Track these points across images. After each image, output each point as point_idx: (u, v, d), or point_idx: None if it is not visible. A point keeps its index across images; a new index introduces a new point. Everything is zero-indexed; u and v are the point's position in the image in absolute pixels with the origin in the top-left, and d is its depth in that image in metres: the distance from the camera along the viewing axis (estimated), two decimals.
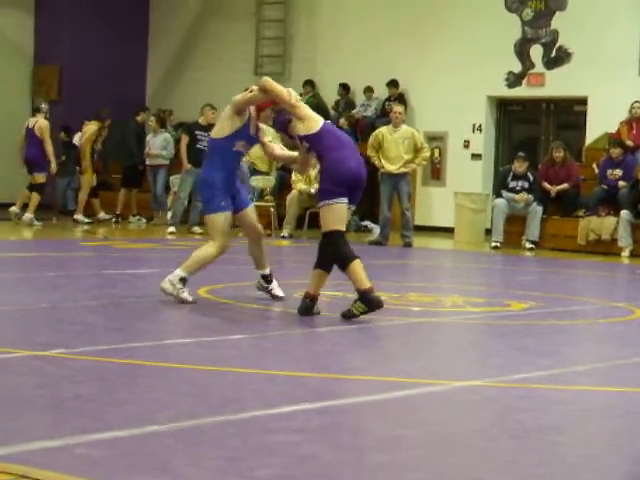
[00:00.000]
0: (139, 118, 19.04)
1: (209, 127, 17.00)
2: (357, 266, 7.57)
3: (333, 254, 7.68)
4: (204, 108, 16.62)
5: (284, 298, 8.43)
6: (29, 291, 8.64)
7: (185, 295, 8.01)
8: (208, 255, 8.14)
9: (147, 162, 18.31)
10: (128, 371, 5.41)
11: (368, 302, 7.50)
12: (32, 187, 17.15)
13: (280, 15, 21.37)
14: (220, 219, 8.11)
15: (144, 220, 18.38)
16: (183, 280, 8.04)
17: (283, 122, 8.11)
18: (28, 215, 16.74)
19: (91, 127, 18.13)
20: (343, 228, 7.69)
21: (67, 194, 20.15)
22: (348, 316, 7.58)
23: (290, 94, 8.00)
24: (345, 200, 7.64)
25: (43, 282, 9.28)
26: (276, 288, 8.57)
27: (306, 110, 7.95)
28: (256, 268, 8.59)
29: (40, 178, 17.13)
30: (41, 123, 17.10)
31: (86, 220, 17.76)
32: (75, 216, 17.90)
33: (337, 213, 7.63)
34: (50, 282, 9.29)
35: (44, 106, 17.49)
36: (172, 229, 16.30)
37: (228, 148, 8.19)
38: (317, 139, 7.79)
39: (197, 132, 16.95)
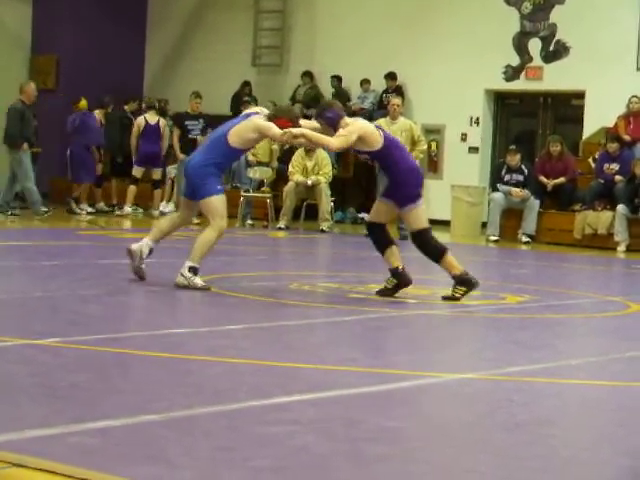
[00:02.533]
0: (127, 107, 19.10)
1: (199, 116, 17.03)
2: (448, 255, 8.38)
3: (427, 249, 8.48)
4: (190, 97, 16.57)
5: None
6: (25, 280, 8.64)
7: (197, 281, 8.21)
8: (210, 239, 8.32)
9: None
10: (123, 360, 5.41)
11: (466, 283, 8.32)
12: (155, 183, 17.76)
13: (278, 6, 21.34)
14: (219, 201, 8.32)
15: (141, 210, 18.36)
16: (193, 269, 8.22)
17: (334, 118, 8.32)
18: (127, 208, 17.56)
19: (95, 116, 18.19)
20: (429, 225, 8.53)
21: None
22: (452, 299, 8.33)
23: (338, 140, 8.25)
24: (422, 200, 8.45)
25: (39, 271, 9.28)
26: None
27: (360, 128, 8.22)
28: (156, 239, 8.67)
29: (158, 173, 17.75)
30: (162, 121, 17.61)
31: (88, 210, 17.78)
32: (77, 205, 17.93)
33: (422, 213, 8.45)
34: (46, 271, 9.29)
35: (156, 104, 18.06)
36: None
37: (236, 156, 8.75)
38: (384, 154, 8.32)
39: (187, 122, 16.97)
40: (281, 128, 8.33)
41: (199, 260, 8.29)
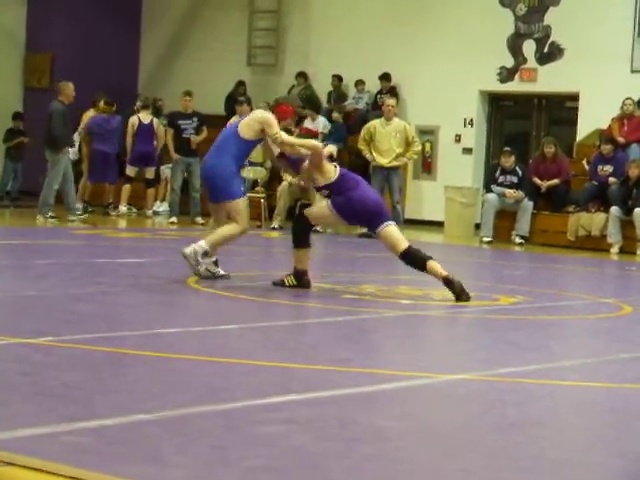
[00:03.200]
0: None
1: (192, 114, 17.03)
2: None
3: (300, 236, 8.57)
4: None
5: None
6: (18, 279, 8.63)
7: (202, 269, 8.51)
8: (232, 233, 8.72)
9: None
10: (116, 360, 5.41)
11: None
12: (148, 182, 17.70)
13: (273, 6, 21.34)
14: (243, 203, 8.72)
15: (134, 210, 18.35)
16: (206, 254, 8.52)
17: (296, 161, 8.76)
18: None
19: (88, 114, 18.16)
20: (312, 221, 8.69)
21: (13, 178, 20.28)
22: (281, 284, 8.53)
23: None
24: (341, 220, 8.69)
25: (32, 270, 9.27)
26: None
27: (326, 164, 8.64)
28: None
29: (152, 173, 17.72)
30: (156, 121, 17.62)
31: (81, 210, 17.78)
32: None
33: (324, 218, 8.80)
34: (39, 270, 9.28)
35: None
36: (173, 219, 16.43)
37: (250, 147, 8.87)
38: (337, 186, 8.53)
39: (180, 122, 16.97)
40: (282, 114, 8.75)
41: (212, 246, 8.57)
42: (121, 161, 18.18)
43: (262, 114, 8.81)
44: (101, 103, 18.02)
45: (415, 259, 8.53)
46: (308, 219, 8.66)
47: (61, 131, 15.53)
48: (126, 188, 17.74)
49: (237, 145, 8.67)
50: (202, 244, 8.54)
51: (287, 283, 8.56)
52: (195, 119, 16.96)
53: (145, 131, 17.68)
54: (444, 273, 8.45)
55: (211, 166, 8.73)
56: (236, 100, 18.12)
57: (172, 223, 16.24)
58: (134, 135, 17.64)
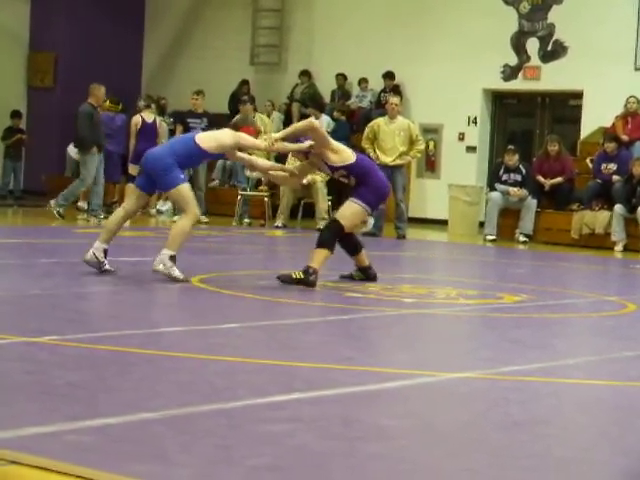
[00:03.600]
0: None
1: (202, 114, 16.98)
2: (330, 254, 8.71)
3: (327, 235, 8.83)
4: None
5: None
6: (22, 277, 8.63)
7: (177, 273, 8.37)
8: (186, 227, 8.58)
9: None
10: (120, 359, 5.41)
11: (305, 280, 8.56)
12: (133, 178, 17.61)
13: (277, 5, 21.34)
14: (186, 189, 8.62)
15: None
16: (173, 258, 8.40)
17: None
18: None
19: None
20: (347, 226, 8.91)
21: (12, 176, 20.33)
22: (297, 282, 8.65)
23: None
24: (368, 212, 9.16)
25: (36, 269, 9.28)
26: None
27: (336, 143, 9.03)
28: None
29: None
30: (159, 120, 17.54)
31: (86, 207, 17.79)
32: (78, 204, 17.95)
33: (356, 216, 9.00)
34: (43, 269, 9.29)
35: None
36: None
37: (202, 158, 8.97)
38: (356, 166, 8.96)
39: (189, 120, 16.94)
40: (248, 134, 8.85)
41: (177, 248, 8.48)
42: (125, 161, 18.19)
43: (236, 134, 8.77)
44: (107, 102, 18.02)
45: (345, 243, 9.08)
46: (343, 230, 8.90)
47: (87, 132, 15.71)
48: (129, 187, 17.72)
49: (190, 151, 8.60)
50: (165, 252, 8.47)
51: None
52: (205, 119, 16.88)
53: (148, 130, 17.66)
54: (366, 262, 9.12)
55: (153, 156, 8.65)
56: (240, 100, 18.13)
57: (60, 214, 16.09)
58: (137, 134, 17.63)
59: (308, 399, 4.67)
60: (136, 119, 17.70)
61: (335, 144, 9.03)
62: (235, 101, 19.26)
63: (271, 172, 9.62)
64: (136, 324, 6.59)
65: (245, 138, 8.76)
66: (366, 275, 9.22)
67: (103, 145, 16.25)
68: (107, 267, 8.69)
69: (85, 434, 3.86)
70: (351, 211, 8.94)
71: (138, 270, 9.39)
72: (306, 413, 4.44)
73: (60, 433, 3.84)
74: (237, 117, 9.40)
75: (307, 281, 8.52)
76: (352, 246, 9.18)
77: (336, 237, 8.85)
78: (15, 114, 20.45)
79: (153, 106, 18.06)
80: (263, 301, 8.03)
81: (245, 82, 20.53)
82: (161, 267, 8.38)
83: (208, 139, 8.70)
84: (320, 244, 8.71)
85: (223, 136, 8.75)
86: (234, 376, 5.16)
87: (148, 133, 17.55)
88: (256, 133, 9.20)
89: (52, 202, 15.64)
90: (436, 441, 4.16)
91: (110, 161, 17.71)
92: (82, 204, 17.84)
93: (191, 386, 4.83)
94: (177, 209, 16.51)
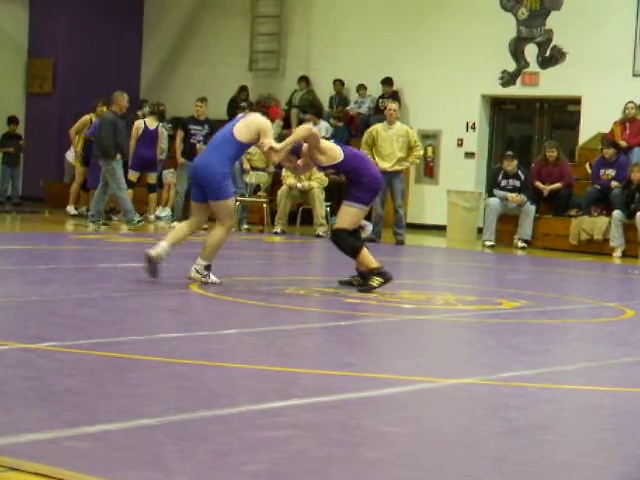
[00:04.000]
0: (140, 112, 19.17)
1: (205, 121, 16.95)
2: (364, 250, 8.98)
3: (342, 246, 9.09)
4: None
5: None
6: (20, 284, 8.63)
7: (214, 278, 8.82)
8: (220, 238, 8.88)
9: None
10: (118, 365, 5.41)
11: (383, 275, 8.95)
12: (150, 187, 17.66)
13: (275, 11, 21.36)
14: (231, 204, 8.91)
15: (139, 216, 18.33)
16: (208, 267, 8.80)
17: (297, 147, 9.08)
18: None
19: (87, 118, 18.18)
20: (350, 228, 9.07)
21: (10, 182, 20.30)
22: (367, 289, 8.96)
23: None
24: (365, 209, 9.16)
25: (35, 275, 9.27)
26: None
27: (325, 143, 9.14)
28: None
29: (154, 177, 17.72)
30: (160, 126, 17.62)
31: (75, 212, 17.78)
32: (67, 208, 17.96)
33: (355, 216, 9.04)
34: (42, 275, 9.28)
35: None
36: (175, 224, 16.16)
37: (244, 149, 9.17)
38: (345, 164, 9.03)
39: (191, 126, 16.92)
40: (275, 115, 9.03)
41: (212, 258, 8.85)
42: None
43: (262, 120, 8.89)
44: (99, 107, 18.01)
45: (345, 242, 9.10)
46: (346, 230, 9.03)
47: (110, 140, 15.70)
48: (128, 193, 17.73)
49: (232, 146, 8.82)
50: (200, 262, 8.80)
51: (375, 284, 8.97)
52: (206, 126, 16.84)
53: (149, 137, 17.66)
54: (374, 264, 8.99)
55: (204, 166, 8.82)
56: (238, 106, 18.13)
57: (104, 224, 16.06)
58: (138, 139, 17.62)
59: (307, 405, 4.67)
60: (138, 124, 17.68)
61: (324, 144, 9.08)
62: (234, 107, 19.27)
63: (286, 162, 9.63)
64: (135, 330, 6.58)
65: (266, 131, 8.84)
66: (363, 279, 9.19)
67: (126, 152, 16.26)
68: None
69: (83, 440, 3.85)
70: (348, 215, 9.05)
71: (137, 276, 9.39)
72: (305, 419, 4.44)
73: (59, 439, 3.84)
74: (261, 96, 9.61)
75: (386, 278, 8.92)
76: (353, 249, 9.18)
77: (351, 238, 9.06)
78: (12, 120, 20.44)
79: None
80: (262, 307, 8.03)
81: (244, 88, 20.54)
82: (197, 275, 8.77)
83: (241, 129, 8.84)
84: (353, 253, 9.00)
85: (252, 123, 8.87)
86: (232, 382, 5.15)
87: (148, 139, 17.54)
88: (279, 114, 9.44)
89: (91, 225, 15.62)
90: (436, 447, 4.16)
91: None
92: (70, 208, 17.83)
93: (189, 392, 4.82)
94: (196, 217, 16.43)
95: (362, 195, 9.01)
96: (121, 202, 15.97)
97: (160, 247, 8.69)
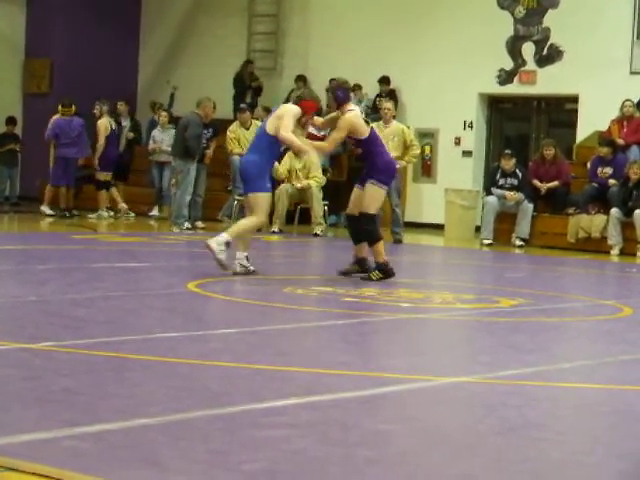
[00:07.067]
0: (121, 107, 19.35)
1: (209, 124, 16.74)
2: (381, 243, 9.52)
3: (372, 231, 9.59)
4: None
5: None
6: (17, 284, 8.63)
7: (222, 257, 9.10)
8: (251, 225, 9.42)
9: (153, 158, 18.29)
10: (116, 364, 5.41)
11: (385, 272, 9.56)
12: (100, 184, 17.83)
13: (272, 10, 21.36)
14: (266, 198, 9.42)
15: (132, 214, 18.35)
16: (227, 244, 9.14)
17: (343, 98, 9.78)
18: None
19: (104, 122, 18.21)
20: (375, 210, 9.68)
21: (7, 182, 20.32)
22: (367, 279, 9.49)
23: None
24: (385, 190, 9.91)
25: (32, 275, 9.27)
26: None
27: (350, 125, 9.63)
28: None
29: (110, 176, 17.93)
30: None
31: (50, 212, 17.72)
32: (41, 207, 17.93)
33: (380, 198, 9.77)
34: (39, 275, 9.28)
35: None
36: (187, 225, 16.09)
37: (276, 143, 9.45)
38: (369, 142, 9.70)
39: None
40: (307, 109, 9.40)
41: (234, 236, 9.21)
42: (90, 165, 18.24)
43: (286, 106, 9.48)
44: (60, 106, 17.95)
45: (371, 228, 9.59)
46: (370, 214, 9.54)
47: (195, 142, 15.74)
48: (102, 194, 17.90)
49: (267, 142, 9.31)
50: (223, 235, 9.18)
51: (374, 278, 9.47)
52: (210, 130, 16.73)
53: (113, 136, 17.98)
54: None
55: (245, 161, 9.54)
56: (239, 107, 18.09)
57: (188, 228, 15.97)
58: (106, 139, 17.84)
59: (305, 404, 4.67)
60: (105, 123, 17.81)
61: (360, 126, 9.69)
62: (240, 85, 19.93)
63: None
64: (132, 330, 6.58)
65: (282, 116, 9.25)
66: (363, 268, 9.63)
67: (202, 158, 16.29)
68: (252, 268, 9.42)
69: (82, 440, 3.86)
70: (373, 198, 9.59)
71: (134, 276, 9.39)
72: (303, 418, 4.44)
73: (57, 439, 3.84)
74: (302, 90, 10.14)
75: (388, 274, 9.46)
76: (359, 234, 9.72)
77: (375, 225, 9.63)
78: (10, 120, 20.43)
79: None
80: (259, 306, 8.03)
81: (249, 62, 20.65)
82: (214, 244, 9.06)
83: (270, 124, 9.32)
84: (371, 241, 9.51)
85: (274, 118, 9.33)
86: (230, 381, 5.15)
87: (113, 139, 17.81)
88: (316, 109, 9.75)
89: (174, 228, 15.63)
90: (434, 445, 4.16)
91: (68, 165, 17.69)
92: (45, 208, 17.76)
93: (188, 392, 4.82)
94: (193, 217, 16.40)
95: (382, 177, 9.62)
96: (180, 205, 15.84)
97: (237, 259, 9.29)
